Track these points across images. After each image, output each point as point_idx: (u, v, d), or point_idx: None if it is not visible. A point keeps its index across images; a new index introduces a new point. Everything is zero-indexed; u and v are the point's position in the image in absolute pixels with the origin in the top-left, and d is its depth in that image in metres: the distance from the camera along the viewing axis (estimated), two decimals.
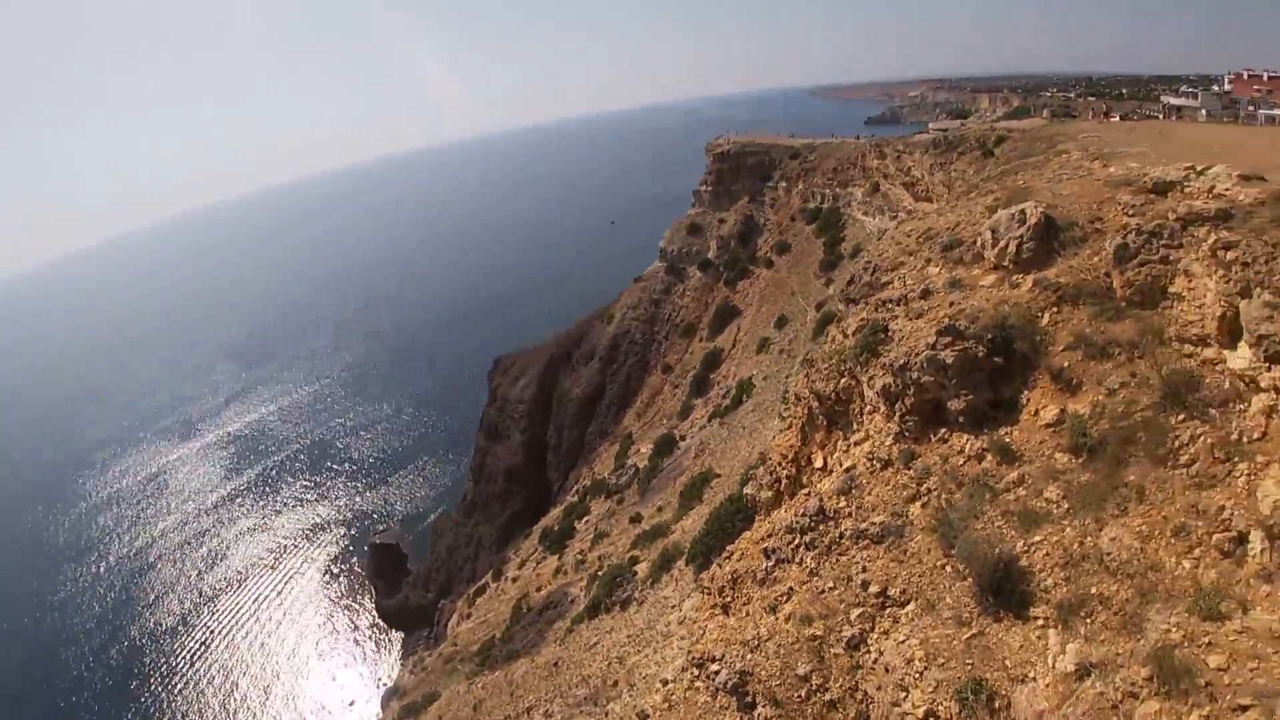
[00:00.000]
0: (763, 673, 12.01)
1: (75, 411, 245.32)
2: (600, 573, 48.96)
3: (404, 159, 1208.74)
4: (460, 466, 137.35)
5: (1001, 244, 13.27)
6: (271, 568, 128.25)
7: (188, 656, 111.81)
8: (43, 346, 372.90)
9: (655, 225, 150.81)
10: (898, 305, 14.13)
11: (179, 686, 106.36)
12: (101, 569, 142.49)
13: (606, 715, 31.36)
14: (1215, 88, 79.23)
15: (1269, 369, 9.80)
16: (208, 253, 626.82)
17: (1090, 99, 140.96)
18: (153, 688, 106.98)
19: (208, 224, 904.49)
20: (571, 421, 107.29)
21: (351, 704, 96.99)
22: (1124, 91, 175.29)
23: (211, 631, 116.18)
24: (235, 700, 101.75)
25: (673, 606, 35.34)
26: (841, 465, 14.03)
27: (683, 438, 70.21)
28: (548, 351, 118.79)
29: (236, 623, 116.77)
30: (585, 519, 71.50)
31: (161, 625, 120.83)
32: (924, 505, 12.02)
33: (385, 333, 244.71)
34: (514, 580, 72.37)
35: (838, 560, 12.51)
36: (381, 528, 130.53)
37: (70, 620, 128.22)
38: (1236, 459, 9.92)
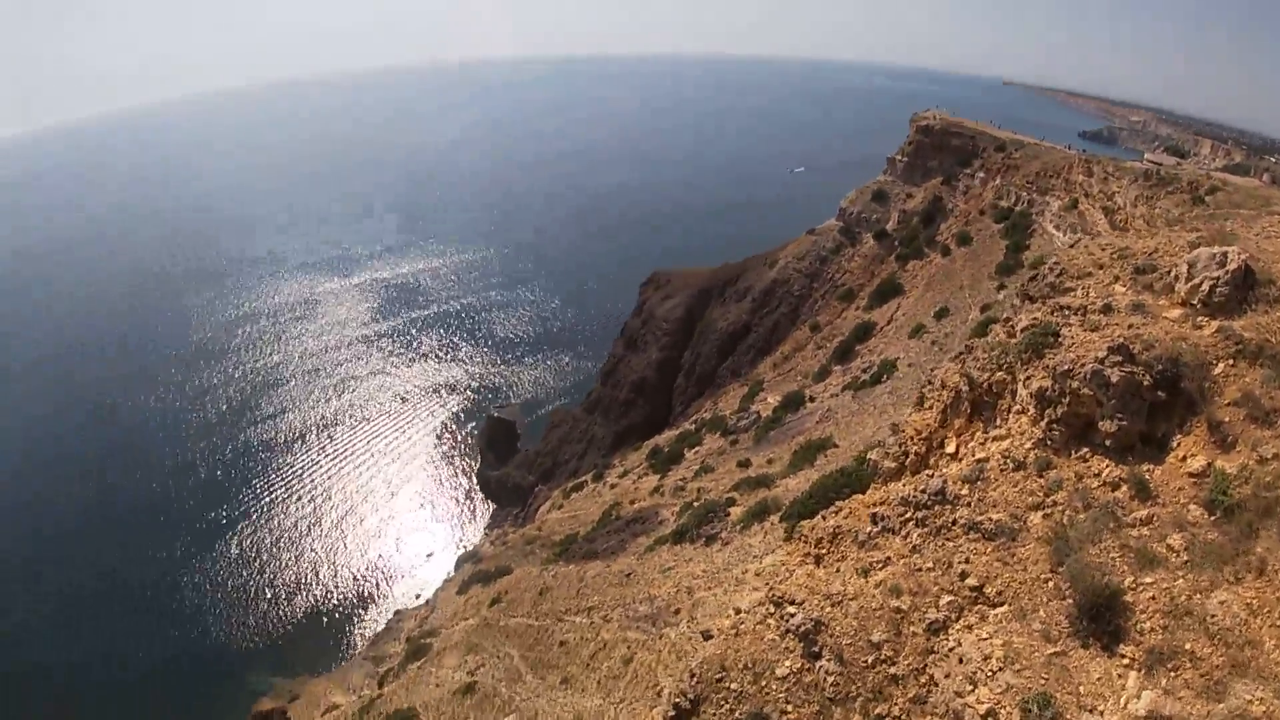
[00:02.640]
0: (837, 628, 12.35)
1: (241, 230, 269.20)
2: (695, 503, 50.13)
3: (626, 61, 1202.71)
4: (591, 366, 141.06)
5: (1195, 281, 12.78)
6: (392, 412, 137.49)
7: (297, 470, 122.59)
8: (207, 169, 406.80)
9: (838, 184, 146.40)
10: (1075, 314, 13.85)
11: (279, 494, 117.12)
12: (238, 372, 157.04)
13: (660, 638, 32.80)
14: None
15: None
16: (387, 109, 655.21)
17: None
18: (254, 488, 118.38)
19: (399, 84, 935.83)
20: (709, 352, 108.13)
21: (430, 555, 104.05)
22: None
23: (324, 453, 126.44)
24: (326, 519, 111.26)
25: (754, 557, 35.83)
26: (974, 455, 14.08)
27: (811, 399, 69.79)
28: (703, 278, 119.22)
29: (349, 451, 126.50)
30: (695, 449, 72.79)
31: (280, 435, 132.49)
32: (1045, 516, 12.04)
33: (553, 224, 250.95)
34: (612, 487, 74.93)
35: (943, 544, 12.73)
36: (502, 404, 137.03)
37: (202, 409, 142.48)
38: None
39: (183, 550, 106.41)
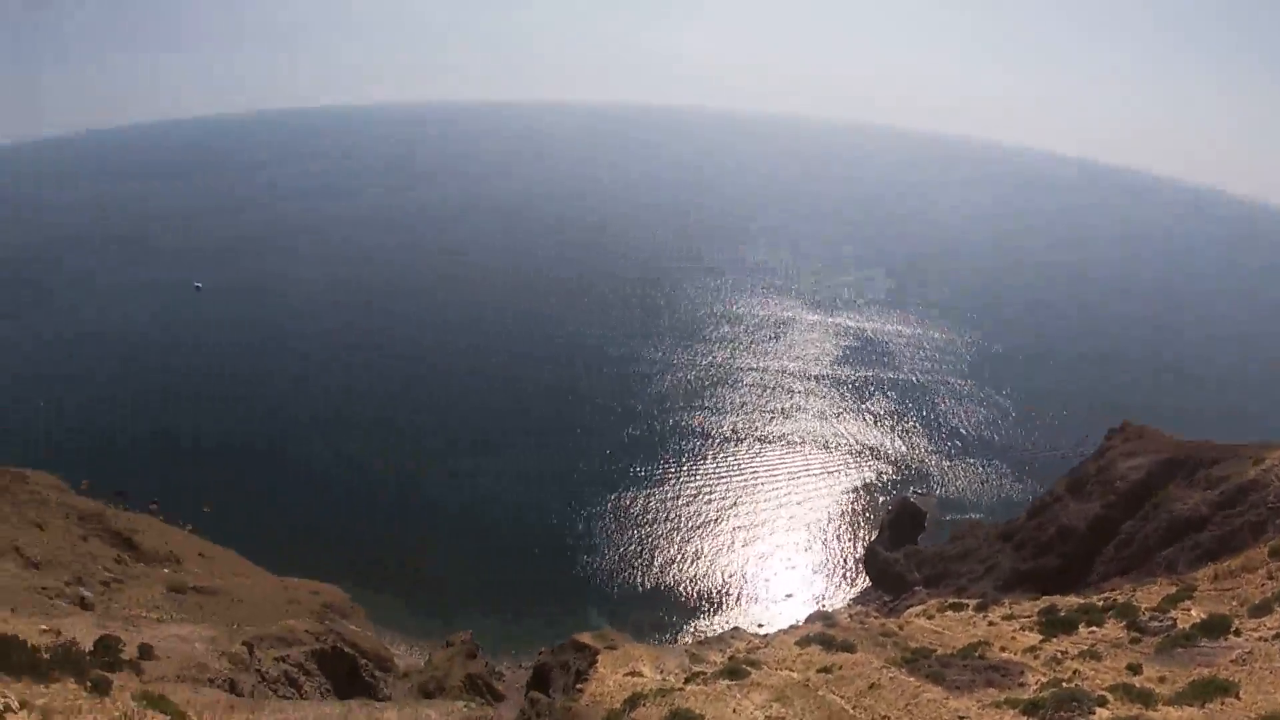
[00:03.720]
0: None
1: (731, 237, 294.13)
2: (1065, 683, 42.21)
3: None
4: (1022, 491, 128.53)
5: None
6: (819, 455, 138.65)
7: (719, 465, 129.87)
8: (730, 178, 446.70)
9: None
10: None
11: (695, 478, 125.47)
12: (704, 360, 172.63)
13: None
14: None
15: None
16: (900, 167, 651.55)
17: None
18: (678, 463, 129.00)
19: (903, 145, 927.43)
20: (1152, 532, 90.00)
21: (788, 596, 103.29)
22: None
23: (748, 463, 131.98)
24: (723, 520, 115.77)
25: None
26: None
27: (1236, 633, 54.10)
28: (1175, 448, 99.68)
29: (770, 472, 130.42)
30: (1092, 628, 61.21)
31: (718, 430, 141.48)
32: None
33: (1044, 337, 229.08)
34: (990, 624, 66.30)
35: None
36: (922, 491, 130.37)
37: (661, 381, 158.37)
38: None
39: (599, 485, 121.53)
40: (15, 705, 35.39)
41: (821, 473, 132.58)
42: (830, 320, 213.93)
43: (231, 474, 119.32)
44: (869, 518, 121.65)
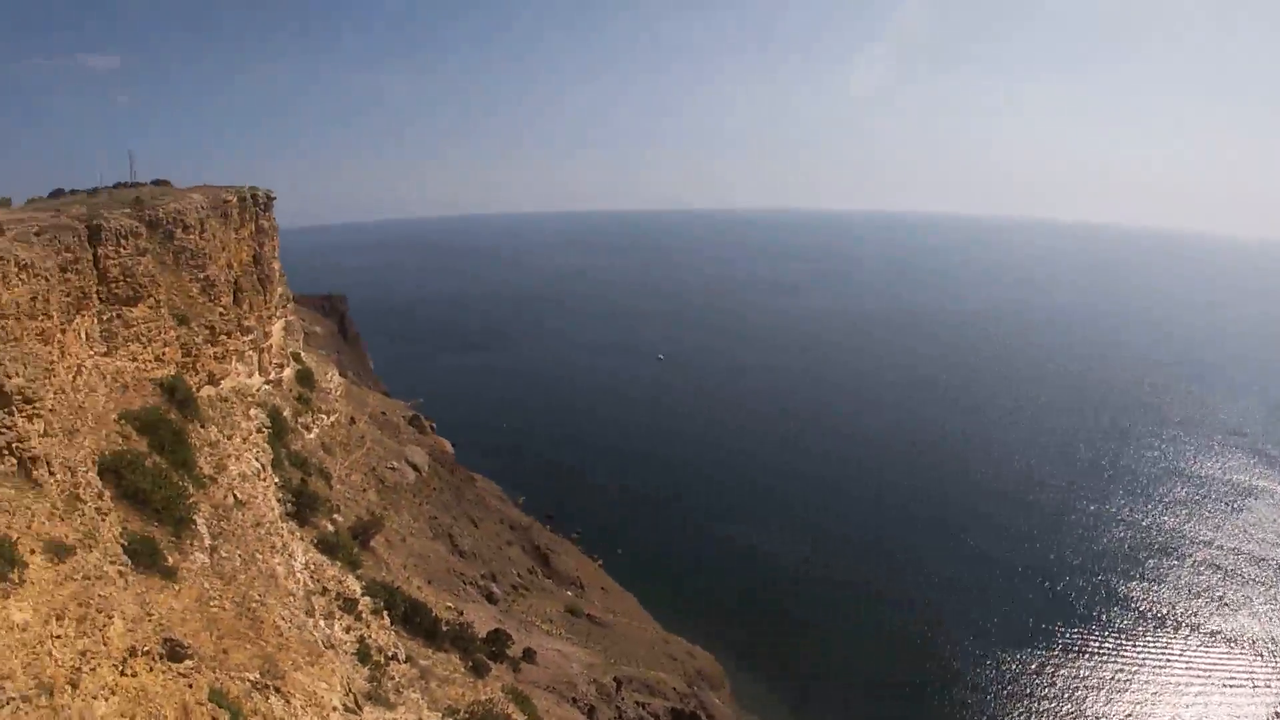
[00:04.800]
0: None
1: None
2: None
3: None
4: None
5: None
6: (1252, 661, 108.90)
7: (1122, 645, 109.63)
8: None
9: None
10: None
11: (1089, 656, 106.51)
12: (1130, 534, 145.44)
13: None
14: None
15: None
16: None
17: None
18: (1074, 631, 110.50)
19: None
20: None
21: None
22: None
23: (1155, 649, 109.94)
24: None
25: None
26: None
27: None
28: None
29: (1184, 664, 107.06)
30: None
31: (1126, 599, 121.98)
32: None
33: None
34: None
35: None
36: None
37: (1073, 542, 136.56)
38: None
39: (1008, 632, 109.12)
40: (402, 656, 42.50)
41: (1263, 688, 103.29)
42: None
43: (650, 527, 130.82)
44: None
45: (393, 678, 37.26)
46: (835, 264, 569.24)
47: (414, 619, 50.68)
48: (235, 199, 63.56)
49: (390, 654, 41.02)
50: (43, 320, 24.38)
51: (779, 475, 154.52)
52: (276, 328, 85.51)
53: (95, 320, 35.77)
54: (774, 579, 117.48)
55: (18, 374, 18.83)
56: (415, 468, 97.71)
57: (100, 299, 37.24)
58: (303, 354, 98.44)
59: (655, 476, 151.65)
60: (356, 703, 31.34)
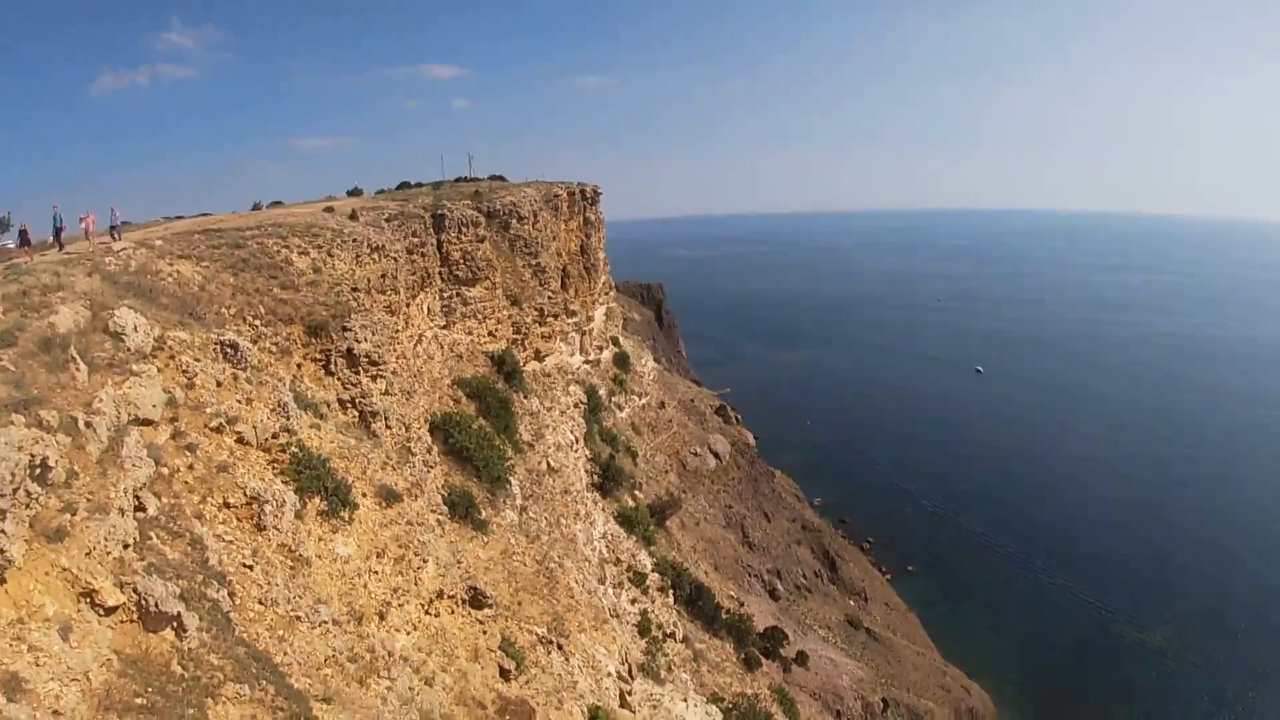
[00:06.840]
0: None
1: None
2: None
3: None
4: None
5: None
6: None
7: None
8: None
9: None
10: None
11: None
12: None
13: None
14: None
15: None
16: None
17: None
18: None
19: None
20: None
21: None
22: None
23: None
24: None
25: None
26: None
27: None
28: None
29: None
30: None
31: None
32: None
33: None
34: None
35: None
36: None
37: None
38: None
39: None
40: (679, 636, 43.71)
41: None
42: None
43: (949, 549, 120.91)
44: None
45: (667, 655, 38.74)
46: (1175, 277, 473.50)
47: (697, 602, 52.21)
48: (565, 193, 69.66)
49: (669, 631, 42.66)
50: (390, 295, 28.65)
51: (1112, 517, 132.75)
52: (599, 313, 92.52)
53: (437, 297, 41.37)
54: (1080, 629, 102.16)
55: (366, 339, 22.30)
56: (717, 455, 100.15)
57: (442, 279, 43.03)
58: (621, 338, 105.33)
59: (963, 497, 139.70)
60: (630, 672, 33.02)
